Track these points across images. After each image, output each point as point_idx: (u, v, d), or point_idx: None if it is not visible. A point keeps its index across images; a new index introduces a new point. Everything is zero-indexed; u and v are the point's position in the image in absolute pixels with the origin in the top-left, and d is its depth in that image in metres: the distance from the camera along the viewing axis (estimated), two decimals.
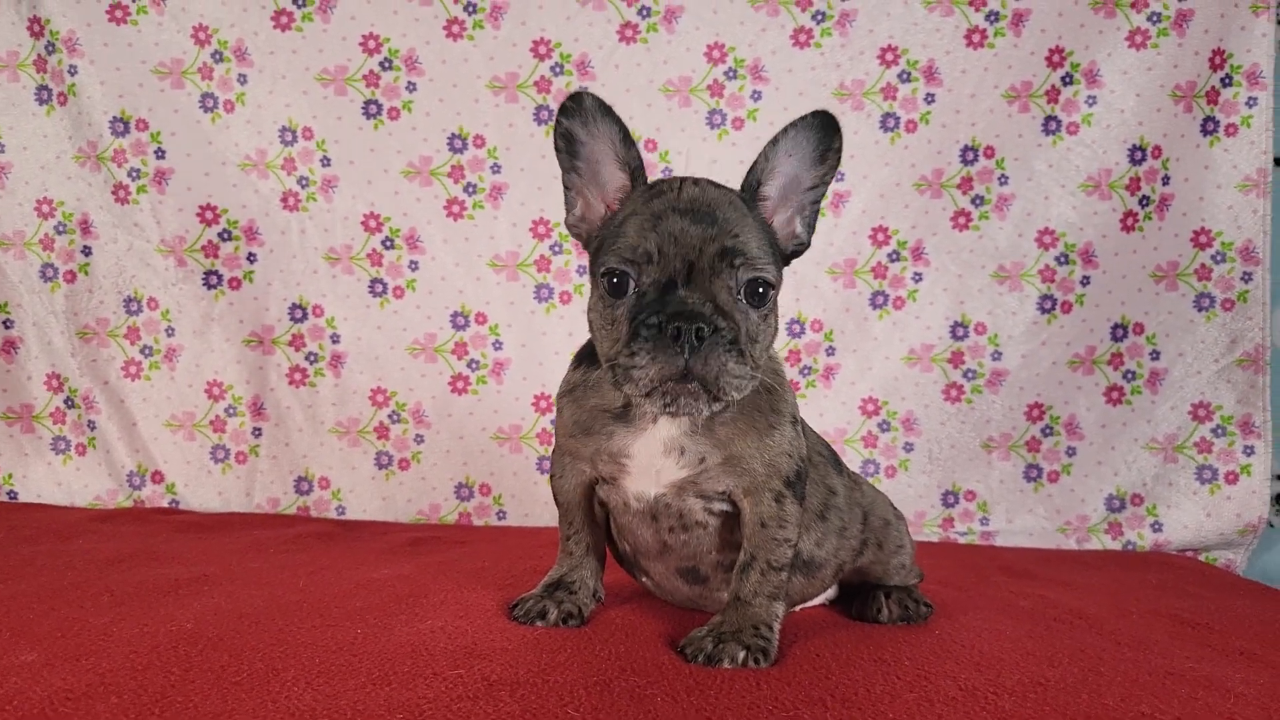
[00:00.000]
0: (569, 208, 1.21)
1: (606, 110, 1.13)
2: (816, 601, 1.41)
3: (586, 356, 1.24)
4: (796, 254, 1.19)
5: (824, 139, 1.11)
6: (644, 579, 1.35)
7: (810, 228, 1.18)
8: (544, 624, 1.22)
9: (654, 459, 1.17)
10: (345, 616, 1.23)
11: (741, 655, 1.08)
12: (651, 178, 2.14)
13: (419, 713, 0.90)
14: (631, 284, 1.06)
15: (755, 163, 1.13)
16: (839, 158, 1.14)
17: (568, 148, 1.16)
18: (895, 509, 1.45)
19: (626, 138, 1.15)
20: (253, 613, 1.23)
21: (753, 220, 1.10)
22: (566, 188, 1.20)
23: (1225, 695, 1.08)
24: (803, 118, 1.11)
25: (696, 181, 1.12)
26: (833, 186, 2.18)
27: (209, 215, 2.21)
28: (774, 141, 1.12)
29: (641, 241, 1.05)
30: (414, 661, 1.05)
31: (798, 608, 1.37)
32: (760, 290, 1.06)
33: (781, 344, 2.26)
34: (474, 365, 2.25)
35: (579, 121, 1.14)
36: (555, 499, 1.33)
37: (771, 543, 1.16)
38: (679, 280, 1.04)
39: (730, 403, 1.05)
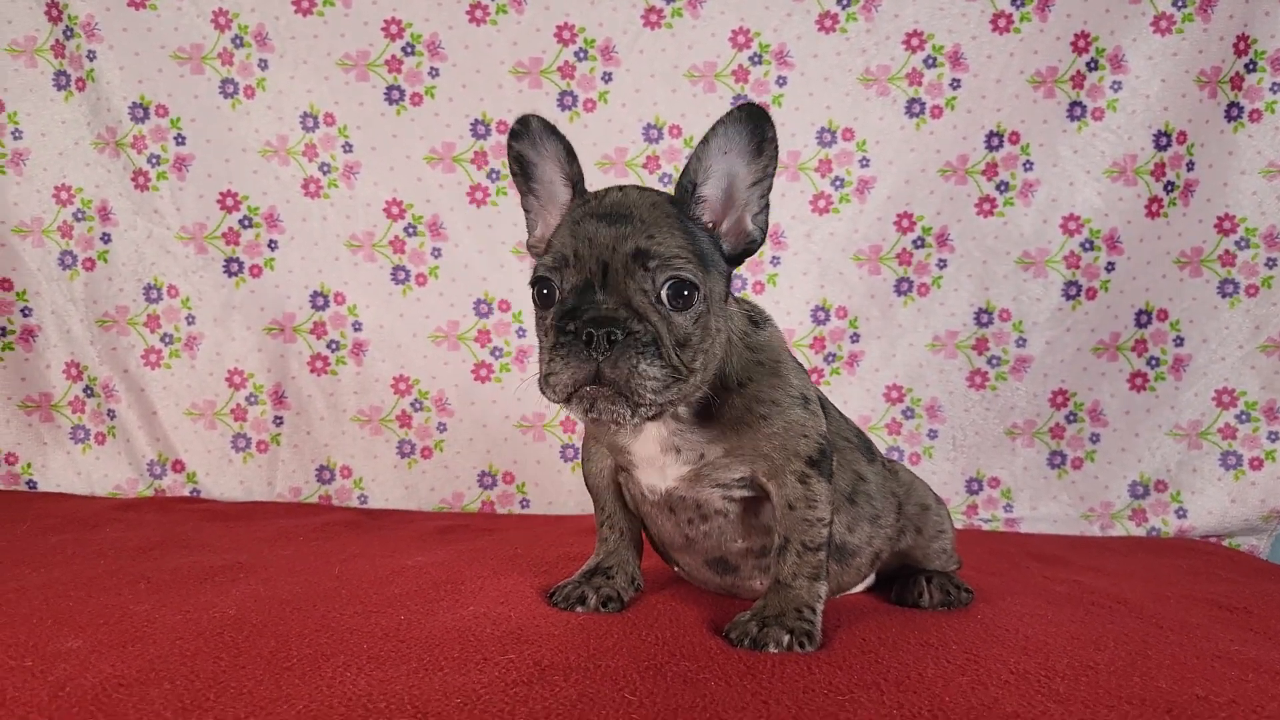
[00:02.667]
0: (530, 230, 1.21)
1: (551, 130, 1.14)
2: (856, 590, 1.41)
3: None
4: (749, 252, 1.15)
5: (757, 130, 1.07)
6: (676, 568, 1.35)
7: (763, 225, 1.14)
8: (583, 609, 1.22)
9: (654, 456, 1.17)
10: (386, 603, 1.22)
11: (786, 639, 1.08)
12: (671, 167, 2.18)
13: (475, 698, 0.89)
14: (557, 292, 1.06)
15: (688, 164, 1.10)
16: (776, 149, 1.09)
17: (521, 170, 1.17)
18: (935, 494, 1.45)
19: (570, 155, 1.15)
20: (293, 599, 1.22)
21: (678, 222, 1.07)
22: (526, 210, 1.21)
23: (1276, 678, 1.07)
24: (730, 112, 1.06)
25: (623, 188, 1.11)
26: (857, 172, 2.20)
27: (229, 202, 2.20)
28: (705, 140, 1.08)
29: (561, 247, 1.05)
30: (462, 647, 1.04)
31: (836, 596, 1.37)
32: (684, 292, 1.03)
33: (806, 331, 2.26)
34: (497, 353, 2.24)
35: (528, 143, 1.15)
36: (586, 484, 1.34)
37: (803, 524, 1.15)
38: (595, 283, 1.03)
39: (651, 406, 1.02)
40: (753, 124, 1.06)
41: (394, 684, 0.92)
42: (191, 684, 0.90)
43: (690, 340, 1.05)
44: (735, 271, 2.16)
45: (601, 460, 1.30)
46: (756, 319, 1.23)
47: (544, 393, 1.05)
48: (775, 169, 1.10)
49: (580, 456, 1.34)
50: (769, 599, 1.15)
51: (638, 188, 1.11)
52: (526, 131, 1.14)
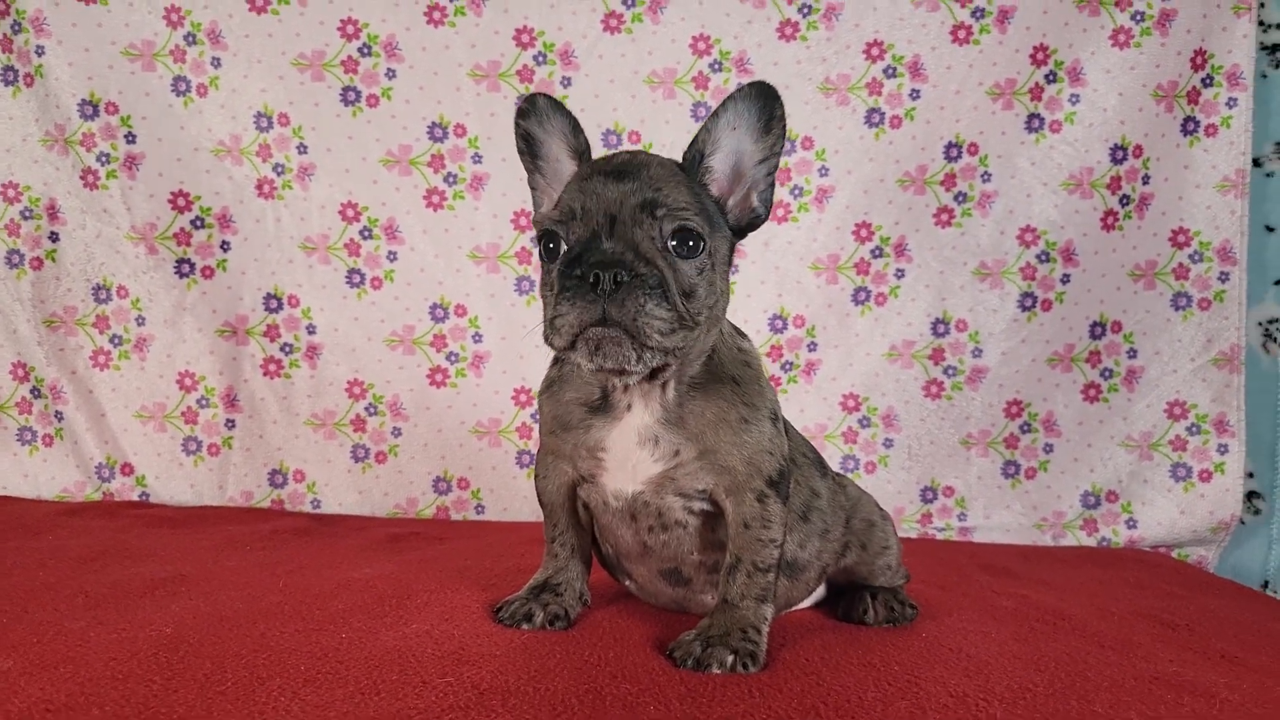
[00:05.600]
0: (536, 206, 1.24)
1: (558, 106, 1.17)
2: (805, 605, 1.41)
3: None
4: (752, 226, 1.18)
5: (765, 108, 1.11)
6: (627, 581, 1.35)
7: (767, 201, 1.17)
8: (530, 627, 1.21)
9: (629, 451, 1.16)
10: (328, 620, 1.21)
11: (730, 659, 1.08)
12: None
13: None
14: (563, 245, 1.08)
15: (696, 136, 1.13)
16: (784, 127, 1.13)
17: (528, 148, 1.20)
18: (881, 509, 1.45)
19: (576, 128, 1.18)
20: (233, 615, 1.20)
21: (686, 181, 1.10)
22: (532, 187, 1.23)
23: (1211, 701, 1.08)
24: (741, 89, 1.11)
25: (633, 151, 1.14)
26: (816, 181, 2.20)
27: (181, 202, 2.16)
28: (715, 115, 1.12)
29: (569, 201, 1.08)
30: (402, 669, 1.03)
31: (783, 612, 1.37)
32: (690, 241, 1.06)
33: (763, 339, 2.25)
34: (453, 358, 2.22)
35: (535, 121, 1.18)
36: (540, 500, 1.32)
37: (756, 544, 1.16)
38: (602, 234, 1.04)
39: (657, 351, 1.03)
40: (762, 101, 1.10)
41: (329, 709, 0.91)
42: (120, 709, 0.88)
43: (696, 291, 1.07)
44: None
45: (559, 476, 1.28)
46: (738, 330, 1.26)
47: (549, 341, 1.06)
48: (782, 148, 1.14)
49: (535, 469, 1.33)
50: (715, 618, 1.15)
51: (647, 152, 1.14)
52: (534, 109, 1.17)
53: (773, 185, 1.17)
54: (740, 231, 1.18)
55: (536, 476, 1.32)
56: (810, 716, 0.96)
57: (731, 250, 1.18)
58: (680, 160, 1.14)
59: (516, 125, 1.19)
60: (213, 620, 1.18)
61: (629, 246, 1.03)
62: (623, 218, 1.04)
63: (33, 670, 0.97)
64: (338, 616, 1.23)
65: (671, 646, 1.12)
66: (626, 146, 2.20)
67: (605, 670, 1.07)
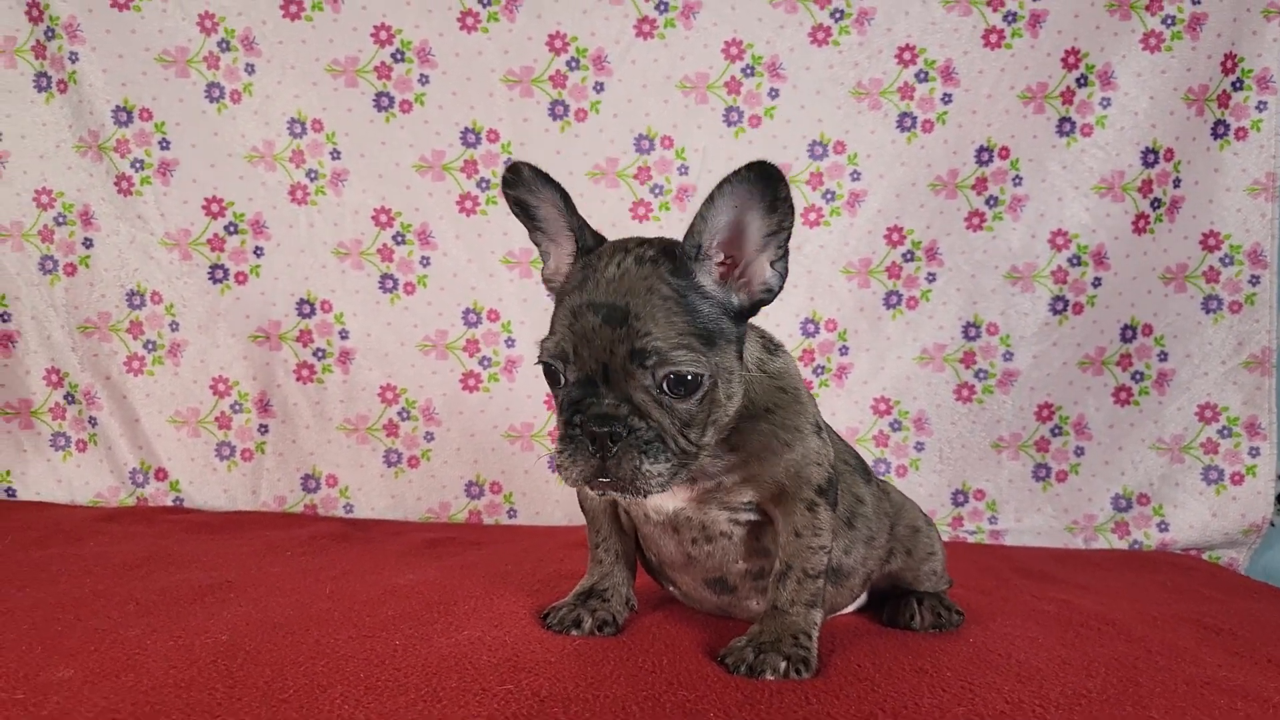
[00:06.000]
0: (544, 260, 1.21)
1: (545, 179, 1.12)
2: (848, 610, 1.41)
3: None
4: (765, 302, 1.12)
5: (768, 190, 1.02)
6: (671, 588, 1.35)
7: (782, 272, 1.10)
8: (579, 633, 1.21)
9: None
10: (380, 626, 1.21)
11: (783, 666, 1.08)
12: (662, 179, 2.16)
13: None
14: (562, 378, 1.08)
15: (693, 224, 1.05)
16: (790, 205, 1.04)
17: (523, 213, 1.17)
18: (925, 515, 1.45)
19: (568, 204, 1.13)
20: (286, 622, 1.21)
21: (678, 302, 1.04)
22: (536, 244, 1.21)
23: (1264, 706, 1.08)
24: (737, 172, 1.00)
25: (623, 259, 1.06)
26: (848, 185, 2.20)
27: (215, 208, 2.17)
28: (710, 200, 1.03)
29: (561, 341, 1.06)
30: (460, 676, 1.03)
31: (829, 616, 1.37)
32: (688, 378, 1.03)
33: (796, 344, 2.26)
34: (486, 363, 2.23)
35: (524, 190, 1.14)
36: (581, 507, 1.33)
37: (807, 551, 1.16)
38: (597, 379, 1.04)
39: (663, 491, 1.05)
40: (764, 184, 1.01)
41: (394, 717, 0.91)
42: (187, 718, 0.89)
43: (695, 419, 1.05)
44: None
45: None
46: (770, 346, 1.23)
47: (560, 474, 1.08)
48: (791, 224, 1.06)
49: None
50: (765, 624, 1.15)
51: (637, 256, 1.06)
52: (519, 179, 1.13)
53: (786, 255, 1.09)
54: (753, 308, 1.11)
55: None
56: None
57: (742, 337, 1.11)
58: (679, 249, 1.07)
59: (505, 195, 1.16)
60: (266, 627, 1.18)
61: (623, 398, 1.03)
62: (614, 366, 1.03)
63: (94, 679, 0.97)
64: (388, 623, 1.23)
65: (723, 653, 1.13)
66: (659, 153, 2.21)
67: (660, 677, 1.07)
